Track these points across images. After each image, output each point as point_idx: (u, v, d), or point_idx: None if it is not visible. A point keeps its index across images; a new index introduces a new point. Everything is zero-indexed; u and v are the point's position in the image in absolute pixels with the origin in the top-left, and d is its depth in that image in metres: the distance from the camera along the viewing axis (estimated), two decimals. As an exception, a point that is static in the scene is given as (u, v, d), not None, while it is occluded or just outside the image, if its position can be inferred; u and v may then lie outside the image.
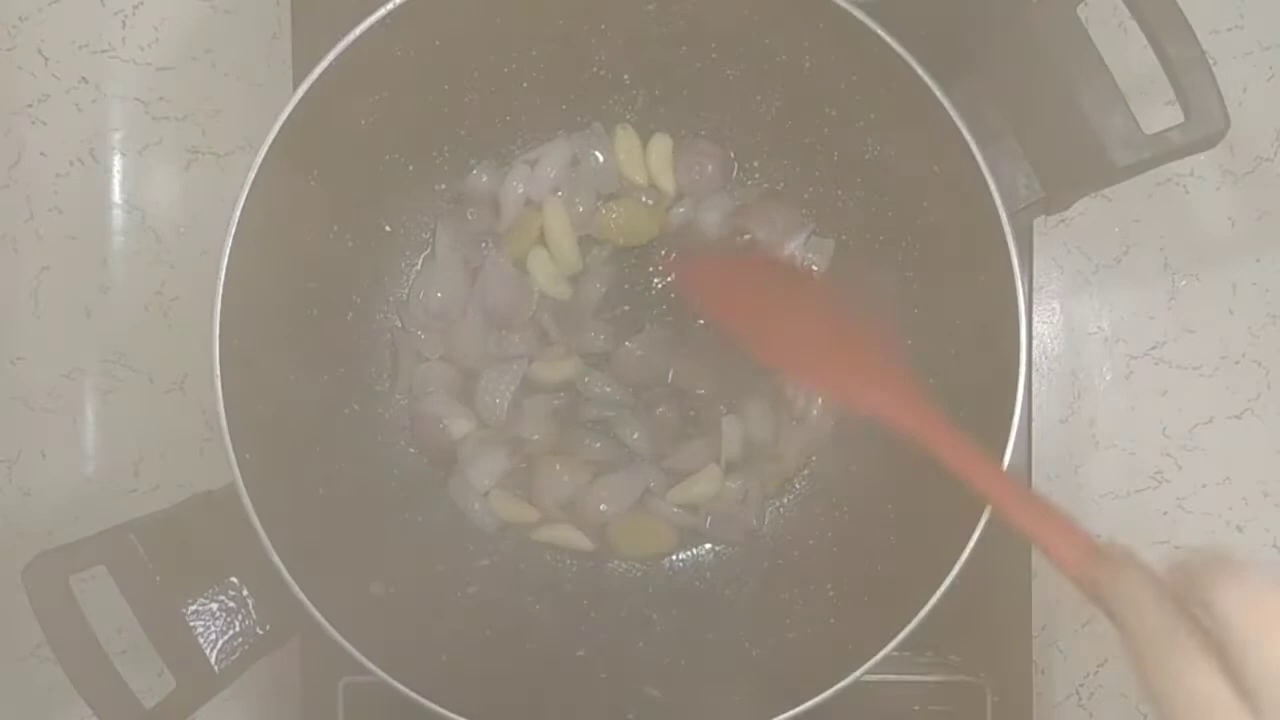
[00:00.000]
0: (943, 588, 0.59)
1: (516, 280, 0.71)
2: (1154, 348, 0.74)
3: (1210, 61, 0.58)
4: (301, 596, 0.59)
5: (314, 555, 0.62)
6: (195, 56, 0.76)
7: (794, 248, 0.71)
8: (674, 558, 0.72)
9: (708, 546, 0.72)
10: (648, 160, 0.72)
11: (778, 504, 0.72)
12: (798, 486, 0.72)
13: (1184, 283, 0.74)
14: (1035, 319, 0.74)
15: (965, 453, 0.51)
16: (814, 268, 0.70)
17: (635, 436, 0.71)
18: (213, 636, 0.59)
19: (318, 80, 0.59)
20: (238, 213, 0.59)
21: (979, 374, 0.63)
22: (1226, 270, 0.74)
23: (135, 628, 0.58)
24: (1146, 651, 0.38)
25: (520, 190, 0.71)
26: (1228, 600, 0.35)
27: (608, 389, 0.71)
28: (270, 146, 0.59)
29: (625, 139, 0.71)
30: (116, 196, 0.76)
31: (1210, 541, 0.74)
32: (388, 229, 0.70)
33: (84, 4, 0.76)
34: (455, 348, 0.72)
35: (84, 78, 0.76)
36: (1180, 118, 0.59)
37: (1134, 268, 0.74)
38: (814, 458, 0.72)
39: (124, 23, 0.76)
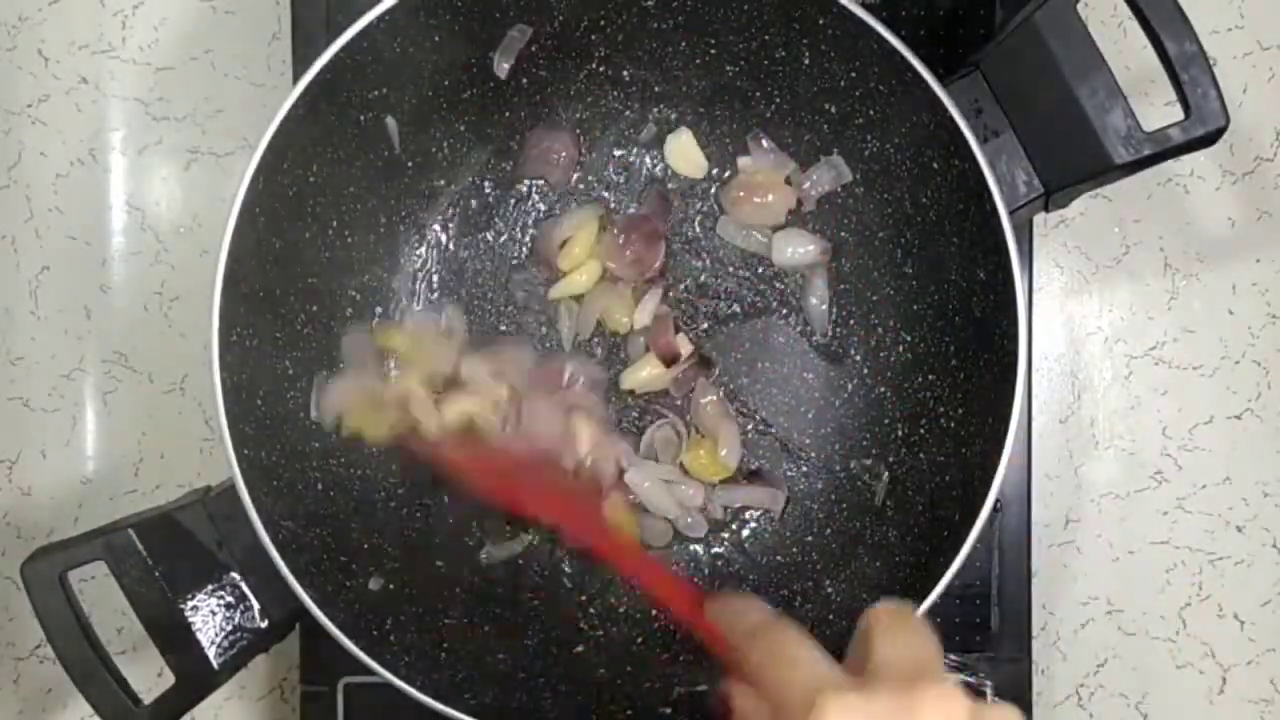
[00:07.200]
0: (941, 587, 0.59)
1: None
2: (1154, 348, 0.74)
3: (1210, 61, 0.58)
4: (300, 593, 0.59)
5: (313, 552, 0.62)
6: (195, 56, 0.76)
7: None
8: (672, 554, 0.72)
9: (705, 546, 0.72)
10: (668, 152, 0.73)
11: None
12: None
13: (1184, 283, 0.74)
14: (1035, 319, 0.74)
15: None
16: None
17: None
18: (211, 632, 0.59)
19: (315, 78, 0.60)
20: (236, 210, 0.59)
21: (979, 373, 0.63)
22: (1226, 270, 0.74)
23: (135, 627, 0.59)
24: (762, 649, 0.45)
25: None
26: (869, 615, 0.45)
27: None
28: (268, 144, 0.59)
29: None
30: (116, 196, 0.76)
31: (1210, 541, 0.74)
32: (386, 225, 0.70)
33: (84, 4, 0.76)
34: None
35: (84, 78, 0.76)
36: (1180, 116, 0.59)
37: (1134, 268, 0.74)
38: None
39: (124, 23, 0.76)
